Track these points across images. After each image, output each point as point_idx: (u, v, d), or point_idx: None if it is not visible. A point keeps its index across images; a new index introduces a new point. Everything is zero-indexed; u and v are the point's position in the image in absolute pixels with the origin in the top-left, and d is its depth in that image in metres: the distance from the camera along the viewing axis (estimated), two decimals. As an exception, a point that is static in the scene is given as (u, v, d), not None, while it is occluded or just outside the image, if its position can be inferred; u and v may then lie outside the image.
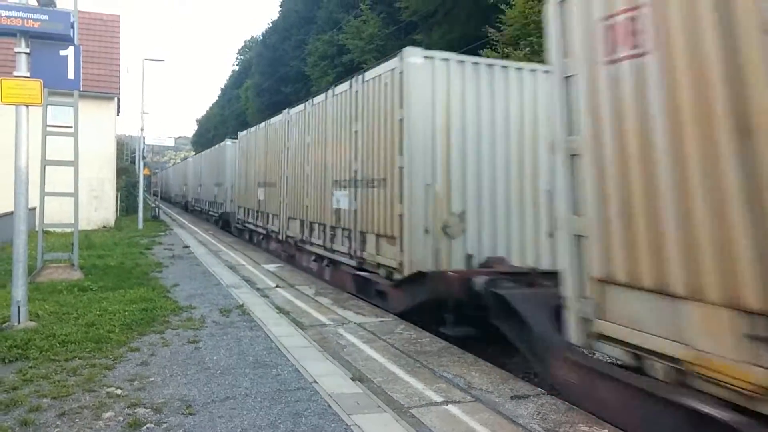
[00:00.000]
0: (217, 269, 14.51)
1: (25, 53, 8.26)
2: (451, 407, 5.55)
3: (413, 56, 9.45)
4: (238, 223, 23.57)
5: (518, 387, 6.15)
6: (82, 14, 20.63)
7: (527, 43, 17.48)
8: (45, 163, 11.58)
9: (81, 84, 8.95)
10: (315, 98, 14.59)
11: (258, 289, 11.80)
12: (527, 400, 5.74)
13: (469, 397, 5.82)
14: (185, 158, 67.45)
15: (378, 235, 10.52)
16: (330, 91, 13.40)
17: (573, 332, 5.70)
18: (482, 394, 5.93)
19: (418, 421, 5.19)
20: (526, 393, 5.96)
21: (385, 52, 20.42)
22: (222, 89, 70.55)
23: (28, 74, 8.23)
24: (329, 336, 8.22)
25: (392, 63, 10.00)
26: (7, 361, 6.61)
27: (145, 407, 5.35)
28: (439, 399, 5.76)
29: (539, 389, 6.06)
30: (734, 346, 4.17)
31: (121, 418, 5.09)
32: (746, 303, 4.07)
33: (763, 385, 3.98)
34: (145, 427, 4.93)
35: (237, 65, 65.84)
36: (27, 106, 8.18)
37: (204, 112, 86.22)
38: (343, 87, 12.50)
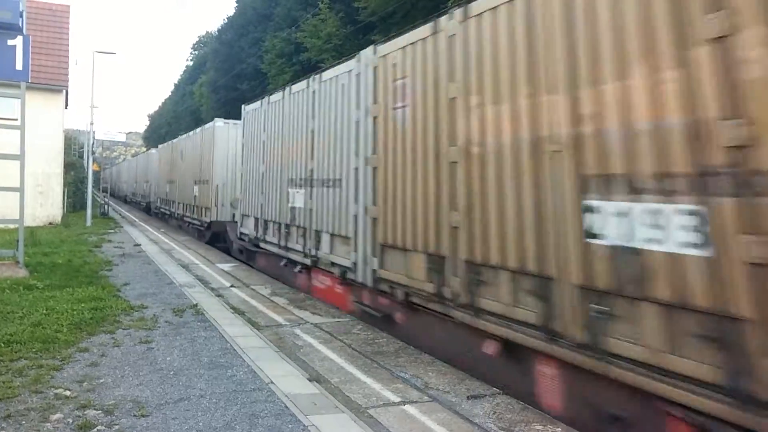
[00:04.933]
0: (169, 268, 14.23)
1: (-29, 41, 7.95)
2: (408, 407, 5.58)
3: (219, 122, 19.90)
4: (156, 209, 33.73)
5: (474, 387, 6.23)
6: (30, 3, 19.97)
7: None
8: (-11, 156, 11.14)
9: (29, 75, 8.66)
10: (191, 132, 24.62)
11: (212, 289, 11.62)
12: (483, 400, 5.83)
13: (426, 397, 5.87)
14: (136, 154, 66.11)
15: (205, 208, 20.41)
16: (194, 131, 23.62)
17: (237, 234, 15.77)
18: (439, 394, 5.99)
19: (376, 422, 5.21)
20: (481, 393, 6.04)
21: (343, 52, 20.39)
22: (175, 85, 68.70)
23: (-27, 63, 7.93)
24: (286, 336, 8.16)
25: (210, 124, 20.37)
26: (-54, 362, 6.34)
27: (95, 409, 5.21)
28: (396, 399, 5.79)
29: (495, 389, 6.15)
30: (278, 236, 12.90)
31: (70, 420, 4.95)
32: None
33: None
34: (95, 430, 4.80)
35: (191, 60, 64.27)
36: (-29, 96, 7.88)
37: (156, 108, 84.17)
38: (197, 130, 22.91)
